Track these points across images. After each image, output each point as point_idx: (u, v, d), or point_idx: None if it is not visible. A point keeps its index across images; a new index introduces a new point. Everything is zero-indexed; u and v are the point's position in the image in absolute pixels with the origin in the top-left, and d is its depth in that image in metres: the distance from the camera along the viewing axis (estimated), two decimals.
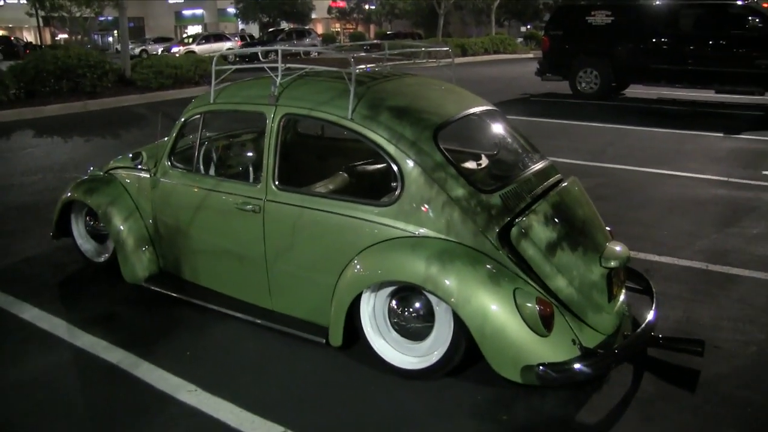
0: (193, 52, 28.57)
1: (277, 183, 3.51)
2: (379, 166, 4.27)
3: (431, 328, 3.20)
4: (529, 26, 54.23)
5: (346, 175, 4.01)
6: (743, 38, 11.83)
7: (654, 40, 12.87)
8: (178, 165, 4.07)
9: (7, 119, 12.11)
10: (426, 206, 3.17)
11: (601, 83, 13.84)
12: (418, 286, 3.10)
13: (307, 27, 38.24)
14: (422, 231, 3.17)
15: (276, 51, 3.60)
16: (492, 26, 38.16)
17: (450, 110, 3.61)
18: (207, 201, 3.82)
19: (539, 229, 3.23)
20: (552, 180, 3.71)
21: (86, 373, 3.40)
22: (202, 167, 4.05)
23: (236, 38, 36.57)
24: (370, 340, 3.32)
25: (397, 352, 3.29)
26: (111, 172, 4.65)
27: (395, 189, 3.26)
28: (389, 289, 3.29)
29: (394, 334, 3.32)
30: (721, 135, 9.87)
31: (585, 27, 13.66)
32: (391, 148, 3.22)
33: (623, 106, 13.27)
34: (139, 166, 4.25)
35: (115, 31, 50.86)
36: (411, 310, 3.27)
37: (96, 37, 48.38)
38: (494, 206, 3.19)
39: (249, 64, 3.85)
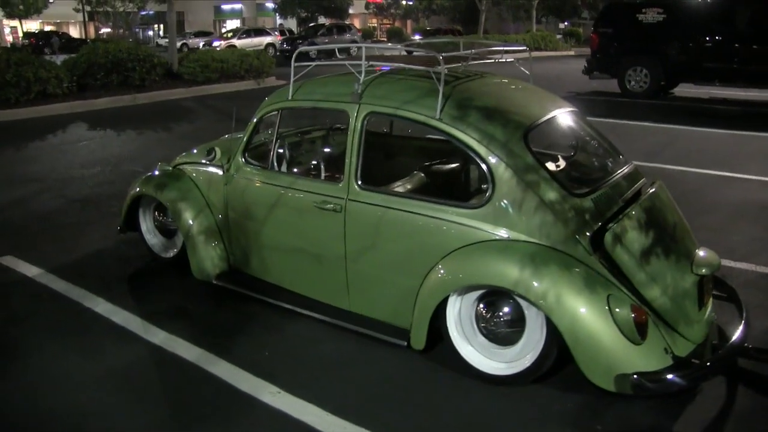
0: (234, 46, 28.73)
1: (359, 182, 3.45)
2: (453, 165, 4.19)
3: (521, 333, 3.12)
4: (566, 23, 53.54)
5: (422, 174, 3.94)
6: None
7: (707, 38, 12.54)
8: (253, 162, 4.04)
9: (62, 112, 12.33)
10: (517, 209, 3.08)
11: (651, 82, 13.54)
12: (510, 291, 3.03)
13: (347, 22, 38.21)
14: (512, 234, 3.09)
15: (349, 48, 3.54)
16: (532, 23, 37.67)
17: (537, 111, 3.52)
18: (283, 199, 3.79)
19: (633, 234, 3.12)
20: (639, 184, 3.60)
21: (165, 370, 3.40)
22: (277, 164, 4.01)
23: (276, 33, 36.71)
24: (456, 344, 3.25)
25: (484, 357, 3.22)
26: (180, 167, 4.65)
27: (485, 191, 3.18)
28: (477, 293, 3.22)
29: (482, 338, 3.25)
30: None
31: (635, 24, 13.36)
32: (481, 150, 3.15)
33: (674, 106, 12.96)
34: (212, 162, 4.22)
35: (156, 26, 51.61)
36: (500, 314, 3.19)
37: (137, 30, 49.08)
38: (587, 210, 3.10)
39: (321, 61, 3.75)
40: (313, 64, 3.79)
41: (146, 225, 4.82)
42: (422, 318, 3.28)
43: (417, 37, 36.79)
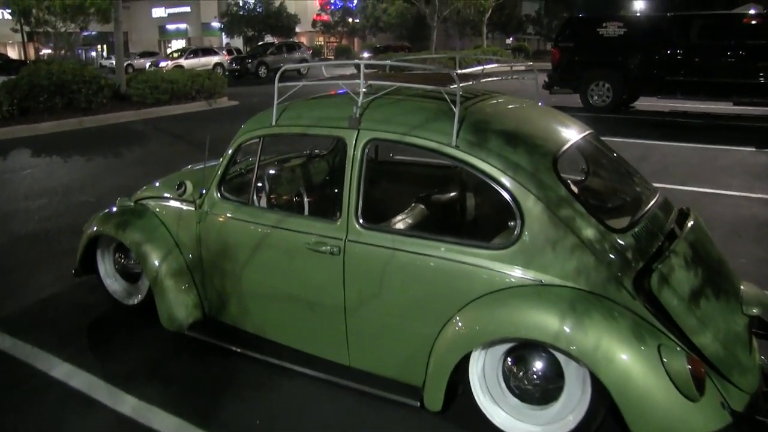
0: (181, 66, 27.94)
1: (361, 220, 3.01)
2: (452, 195, 3.80)
3: (559, 390, 2.72)
4: (512, 38, 54.41)
5: (423, 206, 3.52)
6: (764, 49, 11.56)
7: (669, 51, 12.59)
8: (230, 196, 3.56)
9: (2, 137, 11.47)
10: (551, 249, 2.69)
11: (614, 96, 13.53)
12: (548, 345, 2.62)
13: (296, 40, 37.77)
14: (545, 278, 2.69)
15: (355, 65, 3.11)
16: (483, 38, 37.99)
17: (561, 135, 3.16)
18: (268, 239, 3.32)
19: (680, 274, 2.76)
20: (674, 214, 3.27)
21: None
22: (257, 199, 3.53)
23: (224, 52, 35.96)
24: (482, 406, 2.84)
25: (516, 421, 2.80)
26: (142, 202, 4.12)
27: (511, 228, 2.78)
28: (504, 347, 2.81)
29: (512, 398, 2.83)
30: (754, 149, 9.54)
31: (597, 38, 13.35)
32: (506, 181, 2.74)
33: (637, 120, 12.95)
34: (182, 197, 3.70)
35: (98, 46, 50.05)
36: (532, 370, 2.78)
37: (80, 51, 47.46)
38: (628, 248, 2.72)
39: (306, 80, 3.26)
40: (300, 84, 3.34)
41: (105, 268, 4.26)
42: (439, 376, 2.85)
43: (366, 55, 36.63)
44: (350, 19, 54.88)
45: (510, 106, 3.35)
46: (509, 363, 2.83)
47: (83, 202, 6.95)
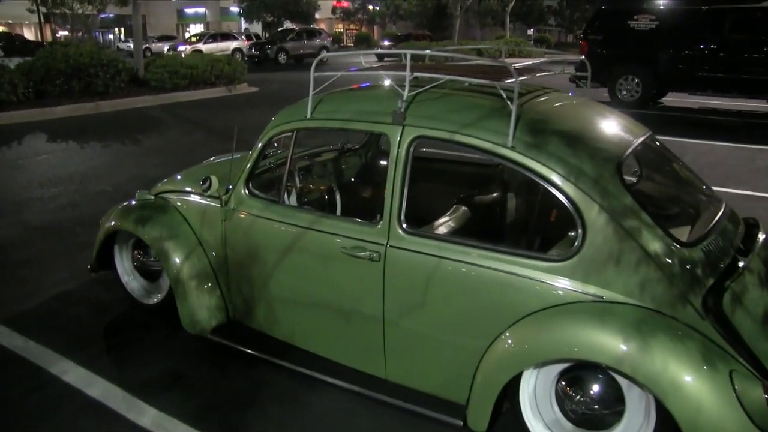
0: (200, 51, 27.73)
1: (405, 225, 2.76)
2: (496, 196, 3.53)
3: (619, 415, 2.47)
4: (533, 29, 53.80)
5: (465, 209, 3.27)
6: None
7: (702, 46, 12.16)
8: (259, 193, 3.31)
9: (17, 120, 11.30)
10: (614, 262, 2.42)
11: (643, 91, 13.12)
12: (612, 368, 2.36)
13: (316, 27, 37.44)
14: (607, 294, 2.43)
15: (399, 55, 2.85)
16: (506, 29, 37.46)
17: (622, 138, 2.89)
18: (300, 241, 3.07)
19: (755, 293, 2.50)
20: (742, 227, 2.98)
21: None
22: (288, 198, 3.28)
23: (243, 37, 35.71)
24: (532, 429, 2.59)
25: None
26: (163, 195, 3.89)
27: (571, 239, 2.53)
28: (559, 367, 2.56)
29: (566, 423, 2.59)
30: None
31: (627, 32, 12.93)
32: (568, 188, 2.48)
33: (667, 116, 12.57)
34: (207, 192, 3.46)
35: (116, 29, 49.97)
36: (589, 393, 2.53)
37: (97, 34, 47.44)
38: (698, 263, 2.46)
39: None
40: (338, 74, 3.07)
41: (123, 265, 4.04)
42: (486, 395, 2.61)
43: (386, 43, 36.24)
44: (370, 7, 54.48)
45: (565, 104, 3.08)
46: (564, 384, 2.58)
47: (100, 192, 6.75)
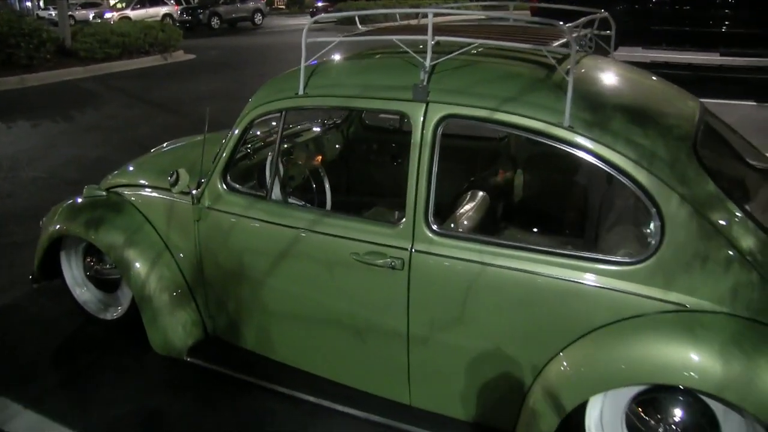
0: (128, 17, 26.09)
1: (434, 225, 2.25)
2: (508, 177, 3.06)
3: None
4: None
5: (483, 194, 2.78)
6: None
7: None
8: (240, 188, 2.74)
9: None
10: (700, 264, 1.99)
11: (595, 46, 12.79)
12: (710, 395, 1.94)
13: None
14: (692, 302, 1.99)
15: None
16: None
17: (685, 110, 2.44)
18: (297, 245, 2.53)
19: None
20: None
21: None
22: (278, 192, 2.72)
23: (172, 2, 33.79)
24: None
25: None
26: (116, 191, 3.26)
27: (645, 237, 2.07)
28: (634, 389, 2.12)
29: None
30: (754, 103, 9.00)
31: None
32: (641, 175, 2.01)
33: None
34: (174, 188, 2.84)
35: None
36: (671, 420, 2.10)
37: (12, 1, 44.25)
38: None
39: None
40: (335, 40, 2.48)
41: (73, 274, 3.41)
42: (542, 424, 2.16)
43: (320, 4, 34.94)
44: None
45: (610, 70, 2.61)
46: (638, 407, 2.15)
47: (34, 179, 5.95)
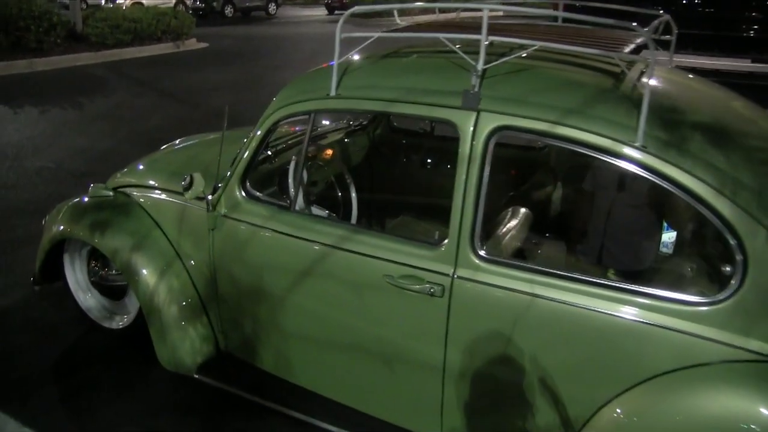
0: (140, 3, 25.80)
1: (481, 250, 2.01)
2: (559, 194, 2.80)
3: None
4: None
5: (526, 210, 2.54)
6: None
7: (683, 2, 11.58)
8: (261, 196, 2.50)
9: None
10: None
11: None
12: None
13: None
14: None
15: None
16: None
17: (764, 129, 2.18)
18: (324, 263, 2.30)
19: None
20: None
21: None
22: (302, 201, 2.49)
23: None
24: None
25: None
26: (123, 190, 3.03)
27: (723, 275, 1.82)
28: None
29: None
30: None
31: None
32: (722, 205, 1.76)
33: None
34: (187, 192, 2.59)
35: None
36: None
37: None
38: None
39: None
40: (374, 35, 2.23)
41: (76, 278, 3.19)
42: None
43: None
44: None
45: (680, 82, 2.36)
46: None
47: (40, 169, 5.73)
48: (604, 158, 1.88)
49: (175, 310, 2.72)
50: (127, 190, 3.02)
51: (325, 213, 2.63)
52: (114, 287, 3.09)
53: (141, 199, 2.94)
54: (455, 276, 2.03)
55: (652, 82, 1.92)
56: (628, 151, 1.83)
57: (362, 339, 2.30)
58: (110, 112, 8.17)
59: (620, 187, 2.46)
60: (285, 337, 2.53)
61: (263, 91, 9.84)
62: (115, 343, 3.06)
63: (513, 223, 2.48)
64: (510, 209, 2.58)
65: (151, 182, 2.95)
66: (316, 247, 2.29)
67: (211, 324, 2.77)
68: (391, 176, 3.55)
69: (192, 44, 15.06)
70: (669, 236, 2.41)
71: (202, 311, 2.76)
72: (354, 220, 2.95)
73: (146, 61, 12.82)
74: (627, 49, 2.06)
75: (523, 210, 2.57)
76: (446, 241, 2.05)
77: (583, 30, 2.52)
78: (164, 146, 3.54)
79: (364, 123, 3.53)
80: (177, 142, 3.54)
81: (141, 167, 3.15)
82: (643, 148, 1.81)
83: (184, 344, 2.72)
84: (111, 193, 3.04)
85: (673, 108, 2.00)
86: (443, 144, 3.47)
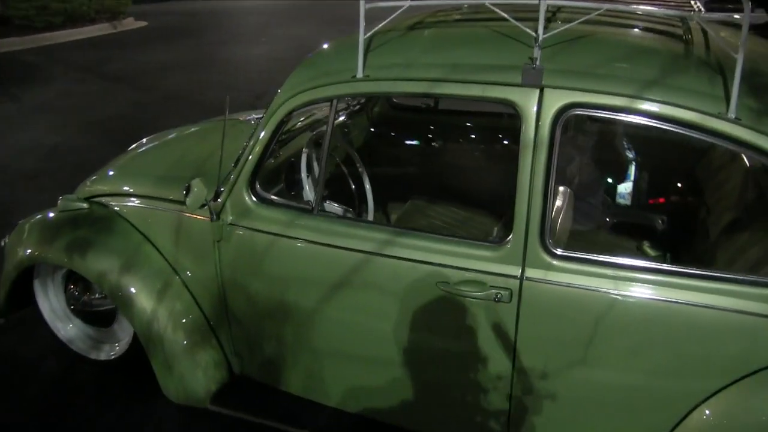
0: None
1: (555, 248, 1.72)
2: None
3: None
4: None
5: (565, 188, 2.26)
6: None
7: None
8: (275, 199, 2.14)
9: None
10: None
11: None
12: None
13: None
14: None
15: None
16: None
17: None
18: (361, 272, 1.97)
19: None
20: None
21: None
22: (328, 202, 2.14)
23: None
24: None
25: None
26: (100, 200, 2.62)
27: None
28: None
29: None
30: None
31: None
32: None
33: None
34: (187, 200, 2.20)
35: None
36: None
37: None
38: None
39: None
40: (405, 4, 1.86)
41: (52, 306, 2.78)
42: None
43: None
44: None
45: (754, 43, 2.07)
46: None
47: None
48: (692, 133, 1.59)
49: (180, 336, 2.36)
50: (103, 200, 2.61)
51: (340, 209, 2.30)
52: (100, 313, 2.69)
53: (123, 210, 2.53)
54: (524, 277, 1.74)
55: (739, 45, 1.64)
56: (719, 125, 1.57)
57: (413, 354, 2.00)
58: (52, 103, 7.51)
59: (713, 167, 2.19)
60: (317, 355, 2.20)
61: (213, 67, 9.28)
62: (108, 377, 2.67)
63: (559, 203, 2.20)
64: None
65: (134, 189, 2.55)
66: (353, 255, 1.95)
67: (222, 347, 2.42)
68: (398, 159, 3.22)
69: (130, 23, 14.18)
70: None
71: (211, 333, 2.41)
72: (371, 212, 2.62)
73: (82, 44, 11.96)
74: (702, 8, 1.76)
75: (561, 188, 2.30)
76: (510, 238, 1.75)
77: None
78: (133, 145, 3.12)
79: (362, 101, 3.16)
80: (144, 141, 3.11)
81: (116, 172, 2.74)
82: (737, 121, 1.54)
83: (195, 373, 2.37)
84: (85, 205, 2.62)
85: (760, 71, 1.72)
86: (449, 119, 3.16)
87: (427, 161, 3.23)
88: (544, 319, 1.77)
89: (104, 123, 6.32)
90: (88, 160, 4.96)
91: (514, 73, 1.69)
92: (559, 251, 1.72)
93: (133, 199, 2.52)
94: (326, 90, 1.94)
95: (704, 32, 1.85)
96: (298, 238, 2.04)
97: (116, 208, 2.55)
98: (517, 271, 1.75)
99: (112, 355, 2.70)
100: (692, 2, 1.96)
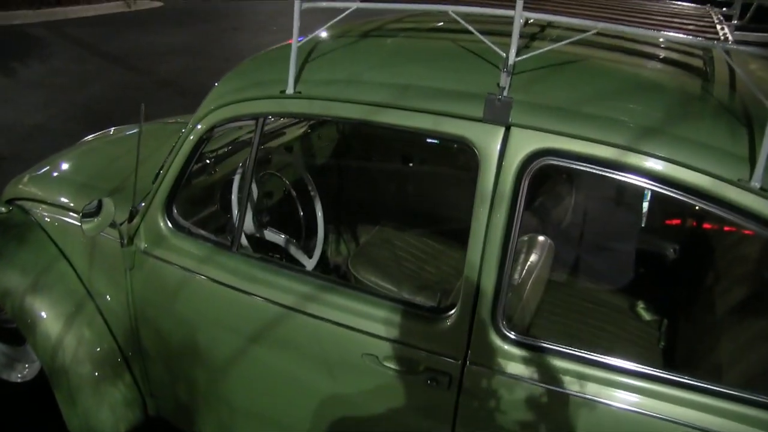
0: None
1: (507, 330, 1.39)
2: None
3: None
4: None
5: (545, 239, 1.93)
6: None
7: None
8: (191, 228, 1.83)
9: None
10: None
11: None
12: None
13: None
14: None
15: None
16: None
17: None
18: (280, 328, 1.66)
19: None
20: None
21: None
22: (269, 230, 1.83)
23: None
24: None
25: None
26: (19, 203, 2.32)
27: None
28: None
29: None
30: None
31: None
32: None
33: None
34: (96, 218, 1.90)
35: None
36: None
37: None
38: None
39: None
40: (354, 5, 1.52)
41: None
42: None
43: None
44: None
45: None
46: None
47: None
48: (699, 203, 1.24)
49: (88, 368, 2.07)
50: (27, 204, 2.31)
51: (281, 237, 1.99)
52: (12, 330, 2.40)
53: (44, 219, 2.24)
54: (469, 361, 1.41)
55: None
56: (738, 196, 1.20)
57: (332, 425, 1.68)
58: (46, 80, 7.25)
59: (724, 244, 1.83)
60: (231, 408, 1.90)
61: (218, 54, 8.98)
62: (16, 402, 2.38)
63: (533, 258, 1.87)
64: (526, 237, 1.96)
65: (56, 196, 2.25)
66: (270, 307, 1.63)
67: (138, 383, 2.12)
68: (365, 179, 2.89)
69: (145, 3, 13.90)
70: None
71: (125, 368, 2.11)
72: (320, 239, 2.30)
73: (93, 20, 11.72)
74: (729, 35, 1.40)
75: (541, 239, 1.96)
76: (455, 311, 1.42)
77: (647, 4, 1.86)
78: (89, 136, 2.84)
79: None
80: (89, 137, 2.82)
81: (49, 172, 2.45)
82: (762, 193, 1.19)
83: (101, 410, 2.08)
84: (3, 209, 2.32)
85: None
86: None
87: (404, 181, 2.91)
88: (491, 416, 1.44)
89: (88, 104, 6.04)
90: (62, 146, 4.67)
91: (475, 104, 1.35)
92: (512, 335, 1.38)
93: (56, 206, 2.22)
94: (251, 105, 1.63)
95: (729, 66, 1.50)
96: (211, 279, 1.72)
97: (38, 215, 2.25)
98: (460, 353, 1.42)
99: (20, 378, 2.42)
100: (716, 22, 1.59)
